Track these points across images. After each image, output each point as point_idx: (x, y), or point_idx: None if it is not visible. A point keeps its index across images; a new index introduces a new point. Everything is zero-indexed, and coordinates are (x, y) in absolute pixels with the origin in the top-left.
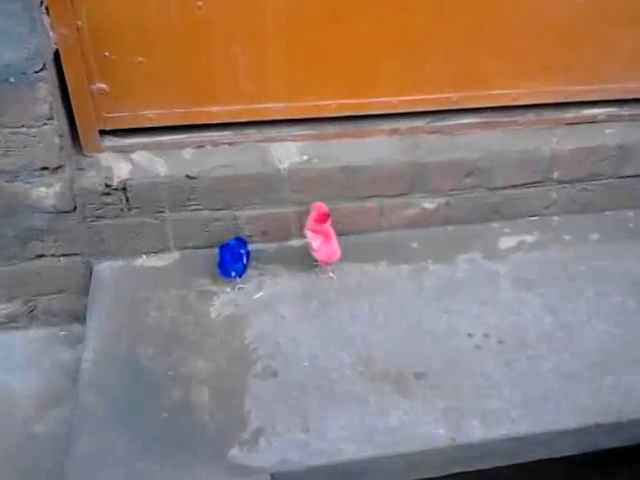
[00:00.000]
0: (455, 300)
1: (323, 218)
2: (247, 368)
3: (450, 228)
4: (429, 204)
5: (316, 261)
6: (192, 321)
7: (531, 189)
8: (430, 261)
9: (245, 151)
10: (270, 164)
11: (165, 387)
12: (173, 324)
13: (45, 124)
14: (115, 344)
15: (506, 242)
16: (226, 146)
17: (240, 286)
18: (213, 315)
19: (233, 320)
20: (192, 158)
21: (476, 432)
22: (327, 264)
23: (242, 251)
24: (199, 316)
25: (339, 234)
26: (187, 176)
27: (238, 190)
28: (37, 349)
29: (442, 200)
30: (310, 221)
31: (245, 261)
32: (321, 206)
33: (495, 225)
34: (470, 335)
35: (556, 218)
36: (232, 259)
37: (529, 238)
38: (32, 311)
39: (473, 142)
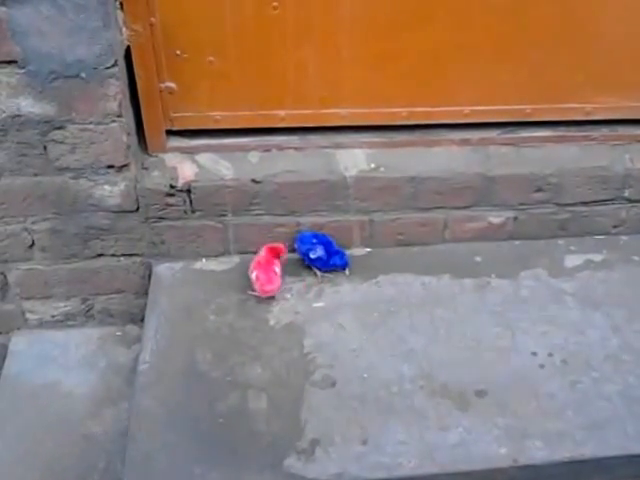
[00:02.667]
0: (519, 317)
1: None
2: (305, 377)
3: (516, 243)
4: (495, 218)
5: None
6: (251, 327)
7: (601, 207)
8: (494, 276)
9: (311, 157)
10: (336, 171)
11: (222, 393)
12: (232, 329)
13: (113, 121)
14: (173, 347)
15: (572, 260)
16: (292, 151)
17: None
18: (272, 322)
19: (292, 328)
20: (257, 162)
21: (538, 453)
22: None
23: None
24: (258, 322)
25: (402, 244)
26: (252, 180)
27: (302, 196)
28: (93, 348)
29: (509, 214)
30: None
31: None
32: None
33: (561, 242)
34: (534, 354)
35: (624, 238)
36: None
37: (596, 257)
38: (89, 310)
39: (545, 156)
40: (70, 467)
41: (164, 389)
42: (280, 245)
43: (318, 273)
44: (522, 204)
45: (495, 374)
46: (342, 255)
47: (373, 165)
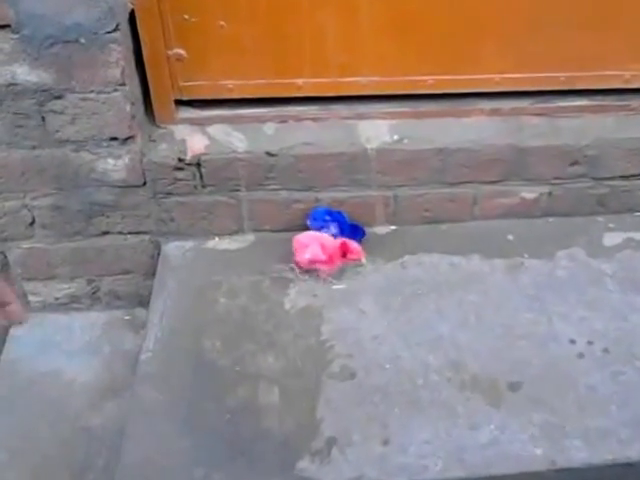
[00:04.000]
0: (555, 301)
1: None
2: (322, 368)
3: (550, 220)
4: (528, 193)
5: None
6: (264, 311)
7: None
8: (527, 256)
9: (330, 128)
10: (357, 143)
11: (231, 385)
12: (244, 313)
13: (116, 90)
14: (180, 333)
15: (612, 239)
16: (310, 122)
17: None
18: (287, 306)
19: (309, 312)
20: (273, 134)
21: (579, 454)
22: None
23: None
24: (272, 306)
25: (428, 222)
26: (267, 153)
27: (321, 170)
28: (98, 333)
29: (543, 189)
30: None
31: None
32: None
33: (600, 219)
34: (572, 341)
35: None
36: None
37: (637, 235)
38: (95, 292)
39: (581, 127)
40: (65, 463)
41: (167, 382)
42: (356, 248)
43: None
44: (557, 178)
45: (530, 364)
46: (357, 231)
47: (396, 137)
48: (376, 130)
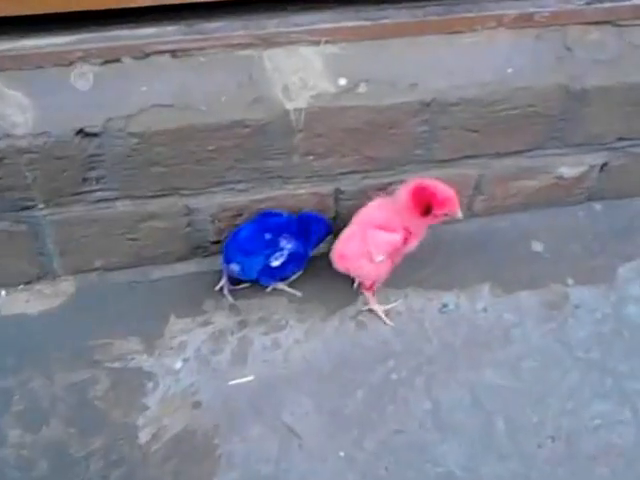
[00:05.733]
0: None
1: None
2: None
3: (597, 208)
4: (571, 168)
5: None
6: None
7: None
8: (571, 282)
9: (210, 70)
10: (266, 100)
11: None
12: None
13: None
14: None
15: None
16: (167, 58)
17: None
18: (144, 439)
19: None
20: (90, 90)
21: None
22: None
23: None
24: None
25: None
26: (81, 132)
27: (192, 156)
28: None
29: (596, 160)
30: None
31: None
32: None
33: None
34: None
35: None
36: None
37: None
38: None
39: None
40: None
41: None
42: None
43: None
44: (621, 139)
45: None
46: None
47: (344, 81)
48: (303, 69)
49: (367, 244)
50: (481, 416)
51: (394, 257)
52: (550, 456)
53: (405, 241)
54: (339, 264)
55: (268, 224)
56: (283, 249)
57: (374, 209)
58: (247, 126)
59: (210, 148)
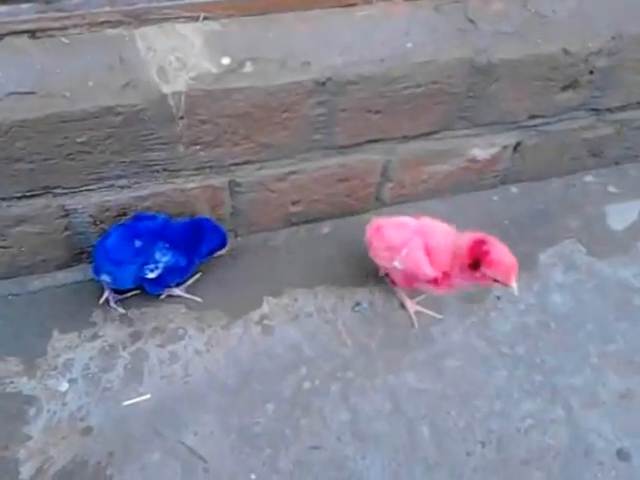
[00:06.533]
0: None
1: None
2: None
3: (514, 191)
4: (483, 150)
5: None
6: None
7: None
8: None
9: (73, 51)
10: (140, 84)
11: None
12: None
13: None
14: None
15: (622, 214)
16: (25, 39)
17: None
18: (27, 474)
19: None
20: None
21: None
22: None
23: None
24: (3, 471)
25: (298, 222)
26: None
27: (61, 150)
28: None
29: (508, 139)
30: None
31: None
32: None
33: (590, 178)
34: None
35: None
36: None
37: None
38: None
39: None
40: None
41: None
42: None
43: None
44: (533, 117)
45: None
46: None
47: (227, 60)
48: (178, 48)
49: (405, 247)
50: (404, 424)
51: (413, 281)
52: (480, 463)
53: (435, 282)
54: (373, 239)
55: (138, 229)
56: (158, 262)
57: (442, 229)
58: (119, 113)
59: (80, 140)
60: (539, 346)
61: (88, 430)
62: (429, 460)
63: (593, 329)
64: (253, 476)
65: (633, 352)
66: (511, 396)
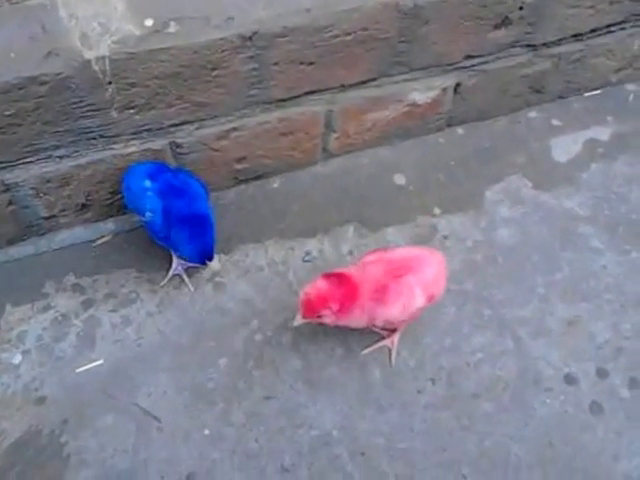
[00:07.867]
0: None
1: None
2: None
3: (460, 133)
4: (422, 94)
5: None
6: None
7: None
8: (438, 211)
9: None
10: (63, 51)
11: None
12: None
13: None
14: None
15: (565, 145)
16: None
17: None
18: None
19: None
20: None
21: None
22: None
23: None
24: None
25: (247, 180)
26: None
27: None
28: None
29: (447, 81)
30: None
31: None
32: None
33: (534, 114)
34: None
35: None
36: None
37: (599, 134)
38: None
39: None
40: None
41: None
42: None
43: None
44: (469, 57)
45: None
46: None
47: (150, 22)
48: (101, 13)
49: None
50: (355, 367)
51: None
52: (431, 400)
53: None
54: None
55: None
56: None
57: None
58: (44, 83)
59: (8, 113)
60: (487, 281)
61: (42, 400)
62: (381, 401)
63: (539, 260)
64: (207, 431)
65: (579, 279)
66: (460, 331)
